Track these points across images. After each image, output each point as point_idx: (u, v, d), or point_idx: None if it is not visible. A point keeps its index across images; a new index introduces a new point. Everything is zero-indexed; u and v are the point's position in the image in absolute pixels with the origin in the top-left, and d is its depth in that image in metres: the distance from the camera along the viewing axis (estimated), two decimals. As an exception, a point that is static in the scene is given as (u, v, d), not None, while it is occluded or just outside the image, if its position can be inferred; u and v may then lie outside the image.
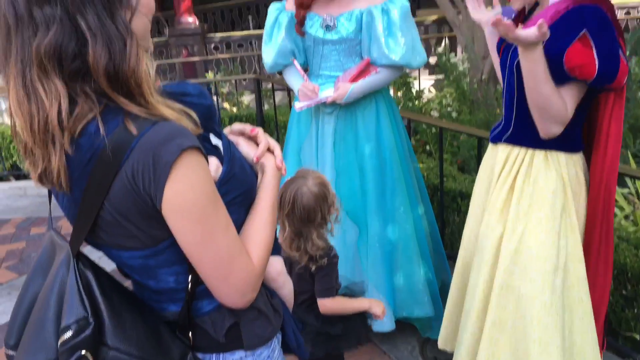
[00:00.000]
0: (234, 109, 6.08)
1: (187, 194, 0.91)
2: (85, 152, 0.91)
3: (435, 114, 4.76)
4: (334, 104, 2.43)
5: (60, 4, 0.88)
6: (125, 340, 0.95)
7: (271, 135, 4.89)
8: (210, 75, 6.76)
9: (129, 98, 0.92)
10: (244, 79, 6.96)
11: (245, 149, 1.13)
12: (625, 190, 3.40)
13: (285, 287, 1.21)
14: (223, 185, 1.00)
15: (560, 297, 1.66)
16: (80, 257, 0.99)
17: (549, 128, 1.59)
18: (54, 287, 0.96)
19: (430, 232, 2.81)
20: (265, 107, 5.49)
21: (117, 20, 0.90)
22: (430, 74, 8.17)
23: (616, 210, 3.22)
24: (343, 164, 2.47)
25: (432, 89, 7.50)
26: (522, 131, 1.71)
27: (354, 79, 2.40)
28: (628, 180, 3.58)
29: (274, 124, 4.79)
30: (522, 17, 1.76)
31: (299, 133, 2.60)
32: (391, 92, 5.48)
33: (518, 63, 1.62)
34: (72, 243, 0.99)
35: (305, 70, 2.57)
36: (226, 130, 1.15)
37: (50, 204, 1.09)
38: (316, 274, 1.71)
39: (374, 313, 1.77)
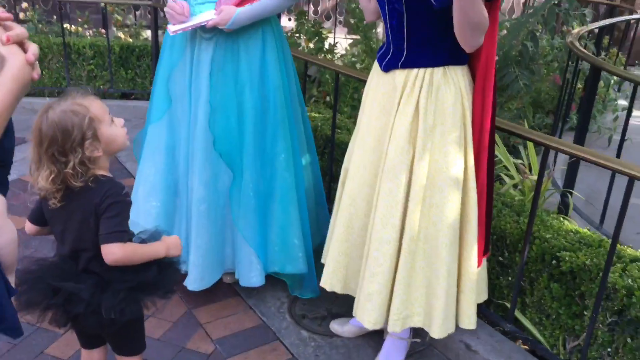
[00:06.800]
0: (129, 39, 5.56)
1: None
2: None
3: (339, 63, 4.54)
4: (214, 29, 2.13)
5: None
6: None
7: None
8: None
9: None
10: (140, 4, 6.32)
11: None
12: (519, 161, 3.37)
13: (3, 234, 0.98)
14: None
15: (459, 205, 1.84)
16: None
17: (477, 41, 1.69)
18: None
19: (314, 184, 2.61)
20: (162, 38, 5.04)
21: None
22: (348, 34, 7.92)
23: (506, 178, 3.18)
24: (219, 99, 2.19)
25: (348, 47, 7.27)
26: (418, 54, 1.79)
27: (240, 2, 2.11)
28: (521, 150, 3.58)
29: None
30: None
31: (170, 60, 2.27)
32: (303, 43, 5.21)
33: None
34: None
35: None
36: None
37: None
38: (101, 215, 1.37)
39: (173, 255, 1.50)
